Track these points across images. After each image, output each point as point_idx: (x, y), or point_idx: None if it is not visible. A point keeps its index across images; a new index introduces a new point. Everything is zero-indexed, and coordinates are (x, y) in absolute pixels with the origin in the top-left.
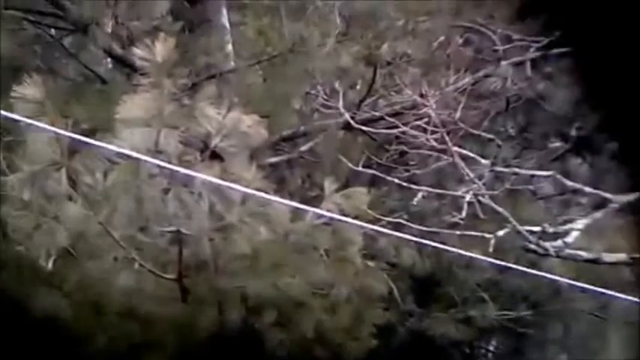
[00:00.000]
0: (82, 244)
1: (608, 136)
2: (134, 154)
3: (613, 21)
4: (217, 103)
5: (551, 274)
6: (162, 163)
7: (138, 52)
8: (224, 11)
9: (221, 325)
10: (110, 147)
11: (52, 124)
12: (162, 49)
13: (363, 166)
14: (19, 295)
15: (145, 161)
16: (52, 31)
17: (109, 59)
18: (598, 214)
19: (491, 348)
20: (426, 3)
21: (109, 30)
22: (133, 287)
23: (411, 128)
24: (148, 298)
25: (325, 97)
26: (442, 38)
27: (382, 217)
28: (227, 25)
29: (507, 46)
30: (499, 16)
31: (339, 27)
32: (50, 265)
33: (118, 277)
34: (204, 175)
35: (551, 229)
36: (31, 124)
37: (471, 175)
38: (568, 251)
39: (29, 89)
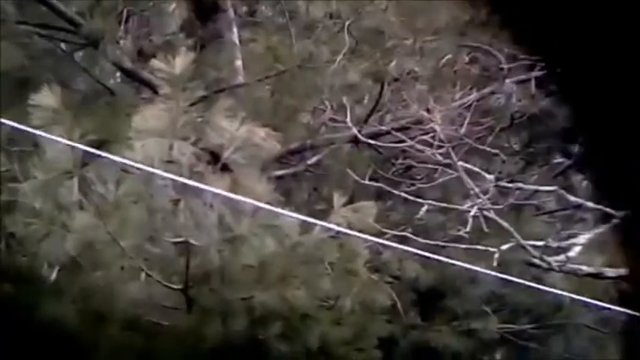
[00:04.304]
0: (89, 254)
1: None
2: (144, 167)
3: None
4: (230, 116)
5: (554, 288)
6: (174, 176)
7: (158, 64)
8: (234, 29)
9: (226, 336)
10: (122, 160)
11: (68, 133)
12: (181, 62)
13: (370, 180)
14: (22, 306)
15: (157, 173)
16: (63, 45)
17: (118, 73)
18: (600, 229)
19: None
20: (433, 23)
21: (121, 45)
22: (139, 297)
23: (417, 143)
24: (153, 308)
25: (333, 111)
26: (449, 56)
27: (387, 231)
28: (237, 41)
29: (512, 65)
30: (505, 36)
31: (348, 45)
32: (54, 275)
33: (124, 287)
34: (216, 189)
35: (554, 244)
36: (42, 136)
37: (476, 189)
38: (570, 266)
39: (46, 98)
